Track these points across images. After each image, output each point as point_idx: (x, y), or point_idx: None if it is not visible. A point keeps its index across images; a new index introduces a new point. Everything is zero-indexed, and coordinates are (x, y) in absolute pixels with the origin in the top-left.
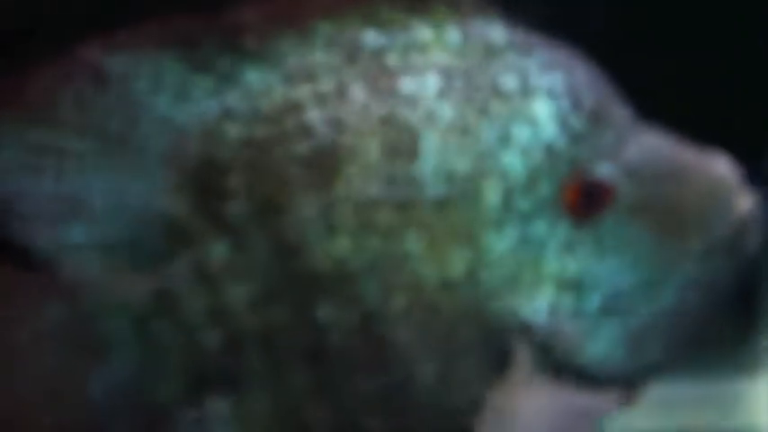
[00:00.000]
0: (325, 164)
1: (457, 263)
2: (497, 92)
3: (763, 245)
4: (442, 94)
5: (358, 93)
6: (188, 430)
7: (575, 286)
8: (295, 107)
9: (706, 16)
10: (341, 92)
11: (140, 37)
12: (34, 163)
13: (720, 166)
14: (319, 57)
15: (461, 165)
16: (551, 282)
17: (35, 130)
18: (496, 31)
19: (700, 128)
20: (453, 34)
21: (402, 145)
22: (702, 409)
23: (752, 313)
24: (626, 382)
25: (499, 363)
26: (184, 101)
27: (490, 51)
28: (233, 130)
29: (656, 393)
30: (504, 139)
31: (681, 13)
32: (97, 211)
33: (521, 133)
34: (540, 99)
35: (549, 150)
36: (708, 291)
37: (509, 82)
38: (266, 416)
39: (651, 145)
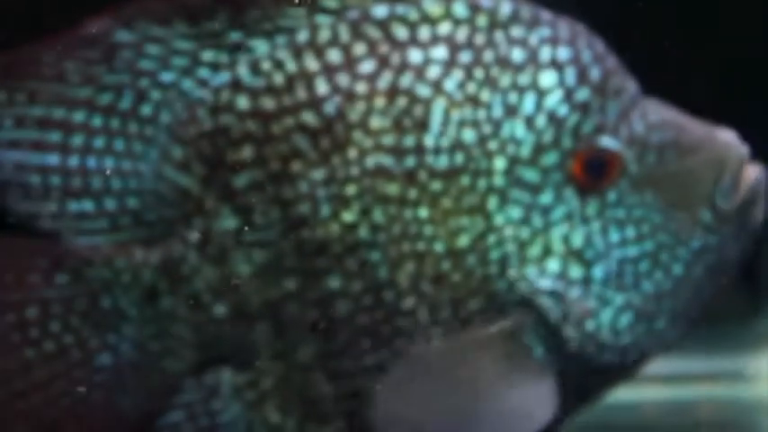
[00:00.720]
0: (334, 134)
1: (464, 232)
2: (503, 64)
3: None
4: (449, 65)
5: (366, 64)
6: (197, 402)
7: (581, 256)
8: (303, 79)
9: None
10: (349, 63)
11: (149, 10)
12: (41, 136)
13: (727, 139)
14: (326, 29)
15: (468, 135)
16: (558, 251)
17: (42, 104)
18: (503, 5)
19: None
20: (460, 7)
21: (409, 116)
22: (710, 383)
23: (758, 290)
24: (633, 352)
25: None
26: (193, 74)
27: (497, 24)
28: (242, 102)
29: (665, 367)
30: (510, 110)
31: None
32: (105, 184)
33: (526, 104)
34: (546, 71)
35: (555, 121)
36: (715, 262)
37: (515, 54)
38: (275, 386)
39: (657, 117)
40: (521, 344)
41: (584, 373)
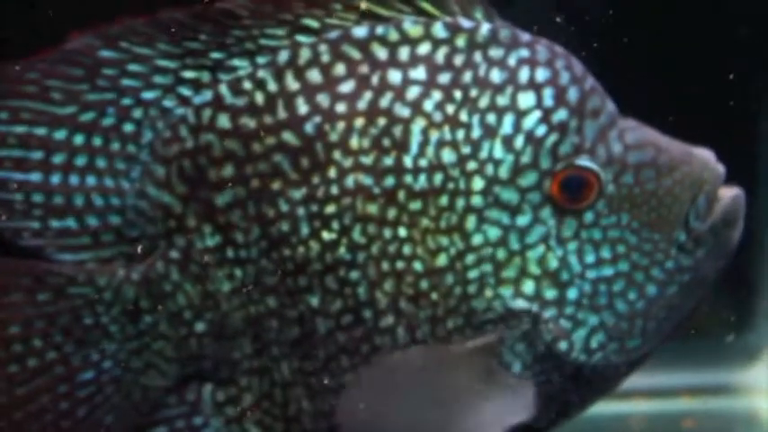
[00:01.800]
0: (314, 154)
1: (442, 252)
2: (482, 84)
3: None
4: (429, 86)
5: (346, 84)
6: (179, 417)
7: (556, 278)
8: (284, 98)
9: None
10: (329, 84)
11: (132, 29)
12: (23, 155)
13: (704, 159)
14: (307, 49)
15: (447, 155)
16: (533, 273)
17: (24, 122)
18: (482, 26)
19: (684, 126)
20: (439, 28)
21: (389, 136)
22: (696, 396)
23: (746, 305)
24: (608, 370)
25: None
26: (175, 92)
27: (475, 45)
28: (223, 121)
29: (656, 381)
30: (489, 131)
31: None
32: (87, 202)
33: (505, 125)
34: (524, 92)
35: (533, 142)
36: (689, 282)
37: (493, 75)
38: (255, 402)
39: (635, 138)
40: (498, 360)
41: (560, 389)
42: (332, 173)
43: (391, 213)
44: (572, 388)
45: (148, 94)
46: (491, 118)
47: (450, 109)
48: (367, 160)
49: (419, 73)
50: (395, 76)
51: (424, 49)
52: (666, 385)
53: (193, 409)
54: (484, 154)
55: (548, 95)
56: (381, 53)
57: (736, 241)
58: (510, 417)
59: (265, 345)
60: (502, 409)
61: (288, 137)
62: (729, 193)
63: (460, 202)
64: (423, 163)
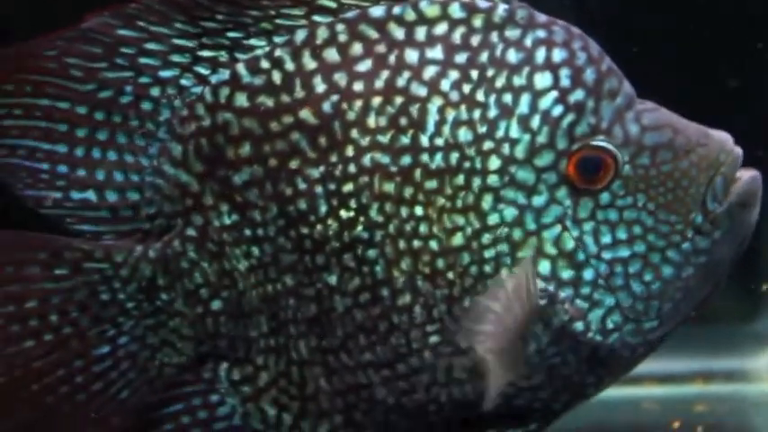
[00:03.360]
0: (332, 132)
1: (458, 231)
2: (499, 64)
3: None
4: (445, 65)
5: (363, 64)
6: (195, 394)
7: (572, 259)
8: (301, 77)
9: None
10: (346, 63)
11: (150, 8)
12: (48, 127)
13: (721, 141)
14: (324, 29)
15: (463, 134)
16: (549, 253)
17: (48, 96)
18: (498, 7)
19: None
20: (457, 8)
21: (406, 115)
22: (708, 381)
23: (757, 292)
24: (624, 351)
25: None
26: (192, 71)
27: (492, 26)
28: (240, 100)
29: (669, 366)
30: (505, 111)
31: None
32: (107, 176)
33: (521, 105)
34: (541, 72)
35: (549, 122)
36: (706, 264)
37: (510, 55)
38: (272, 381)
39: (652, 119)
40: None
41: (575, 370)
42: (349, 151)
43: (408, 192)
44: (588, 369)
45: (166, 73)
46: (507, 98)
47: (466, 88)
48: (384, 139)
49: (436, 52)
50: (412, 56)
51: (440, 28)
52: (679, 371)
53: (209, 386)
54: (500, 133)
55: (564, 76)
56: (398, 33)
57: (754, 223)
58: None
59: (282, 323)
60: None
61: (305, 115)
62: (746, 176)
63: (477, 182)
64: (439, 142)
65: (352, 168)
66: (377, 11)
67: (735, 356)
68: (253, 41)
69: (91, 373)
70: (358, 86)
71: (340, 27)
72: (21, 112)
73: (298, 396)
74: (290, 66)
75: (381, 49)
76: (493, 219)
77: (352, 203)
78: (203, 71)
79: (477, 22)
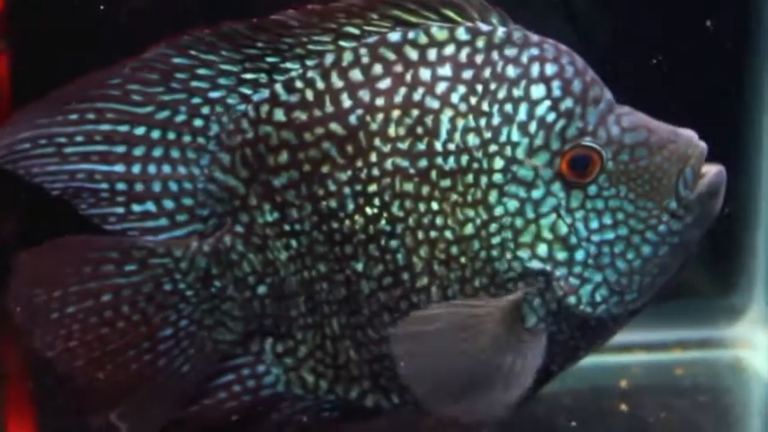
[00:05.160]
0: (357, 141)
1: (469, 222)
2: (500, 79)
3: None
4: (454, 81)
5: (383, 82)
6: (245, 366)
7: (566, 242)
8: (330, 94)
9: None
10: (369, 81)
11: (200, 39)
12: (107, 149)
13: (688, 138)
14: (349, 52)
15: (472, 140)
16: (546, 238)
17: (109, 122)
18: (498, 29)
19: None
20: (462, 32)
21: (421, 125)
22: (691, 349)
23: (733, 268)
24: (609, 319)
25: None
26: (237, 91)
27: (493, 46)
28: (279, 115)
29: (652, 336)
30: (507, 118)
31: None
32: (163, 188)
33: (520, 113)
34: (536, 84)
35: (545, 126)
36: (678, 244)
37: (509, 71)
38: (309, 353)
39: (630, 121)
40: (517, 313)
41: (569, 337)
42: (373, 157)
43: (425, 190)
44: (579, 336)
45: (214, 94)
46: (508, 107)
47: (473, 100)
48: (403, 146)
49: (446, 70)
50: (425, 74)
51: (449, 50)
52: (660, 340)
53: (257, 359)
54: (503, 138)
55: (556, 87)
56: (413, 54)
57: (718, 210)
58: (534, 363)
59: (317, 304)
60: (521, 355)
61: (334, 127)
62: (713, 169)
63: (484, 180)
64: (451, 147)
65: (375, 172)
66: (394, 36)
67: (711, 327)
68: (288, 65)
69: (156, 351)
70: (379, 101)
71: (363, 51)
72: (82, 140)
73: (332, 365)
74: (320, 85)
75: (399, 68)
76: (498, 210)
77: (376, 201)
78: (246, 91)
79: (480, 43)
